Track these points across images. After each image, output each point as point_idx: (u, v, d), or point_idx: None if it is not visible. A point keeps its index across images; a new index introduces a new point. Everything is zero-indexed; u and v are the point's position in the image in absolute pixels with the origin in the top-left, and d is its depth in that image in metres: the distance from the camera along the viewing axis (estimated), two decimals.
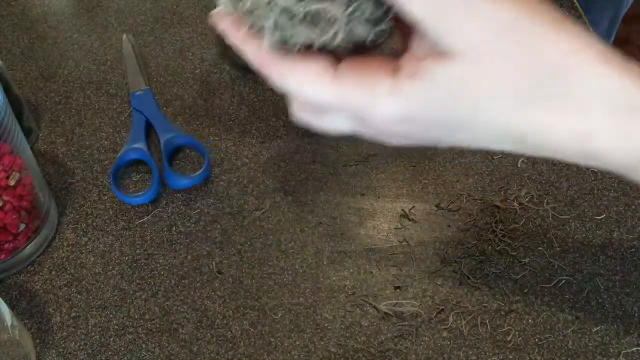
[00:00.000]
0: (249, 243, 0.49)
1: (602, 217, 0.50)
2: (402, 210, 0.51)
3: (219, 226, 0.51)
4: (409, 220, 0.50)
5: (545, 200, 0.51)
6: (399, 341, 0.44)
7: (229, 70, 0.63)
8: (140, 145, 0.56)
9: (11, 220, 0.46)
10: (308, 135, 0.57)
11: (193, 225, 0.51)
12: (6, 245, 0.47)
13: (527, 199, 0.51)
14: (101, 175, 0.54)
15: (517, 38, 0.27)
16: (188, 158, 0.56)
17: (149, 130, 0.58)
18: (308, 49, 0.30)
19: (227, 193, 0.53)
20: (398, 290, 0.46)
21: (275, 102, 0.60)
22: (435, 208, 0.51)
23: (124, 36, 0.67)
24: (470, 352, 0.43)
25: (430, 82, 0.28)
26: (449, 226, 0.50)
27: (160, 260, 0.49)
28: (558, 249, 0.48)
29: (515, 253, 0.48)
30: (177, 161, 0.56)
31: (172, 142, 0.56)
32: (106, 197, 0.53)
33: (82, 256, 0.49)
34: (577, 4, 0.66)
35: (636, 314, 0.44)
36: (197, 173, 0.53)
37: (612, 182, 0.52)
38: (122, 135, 0.57)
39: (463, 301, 0.45)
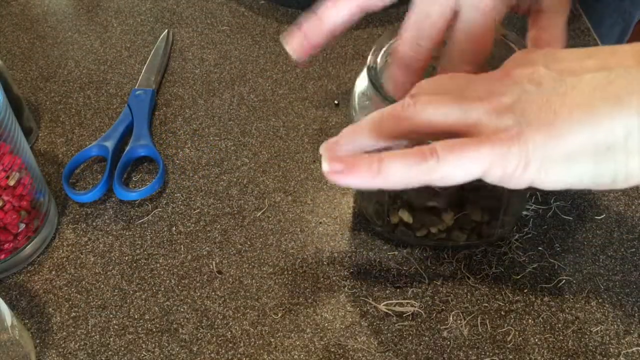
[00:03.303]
0: (249, 243, 0.49)
1: (602, 217, 0.50)
2: None
3: (219, 226, 0.51)
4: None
5: (546, 200, 0.51)
6: (399, 341, 0.44)
7: (229, 70, 0.63)
8: (109, 143, 0.55)
9: (11, 220, 0.46)
10: (308, 134, 0.57)
11: (193, 225, 0.51)
12: (6, 245, 0.47)
13: None
14: (100, 175, 0.54)
15: None
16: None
17: (131, 131, 0.57)
18: None
19: (227, 193, 0.53)
20: (398, 290, 0.46)
21: (276, 102, 0.60)
22: None
23: (166, 31, 0.66)
24: (470, 352, 0.43)
25: None
26: None
27: (160, 260, 0.49)
28: (558, 249, 0.48)
29: (515, 253, 0.48)
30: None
31: (135, 151, 0.55)
32: (106, 197, 0.53)
33: (82, 256, 0.49)
34: (585, 18, 0.66)
35: (636, 314, 0.44)
36: (142, 189, 0.52)
37: None
38: None
39: (463, 301, 0.45)
